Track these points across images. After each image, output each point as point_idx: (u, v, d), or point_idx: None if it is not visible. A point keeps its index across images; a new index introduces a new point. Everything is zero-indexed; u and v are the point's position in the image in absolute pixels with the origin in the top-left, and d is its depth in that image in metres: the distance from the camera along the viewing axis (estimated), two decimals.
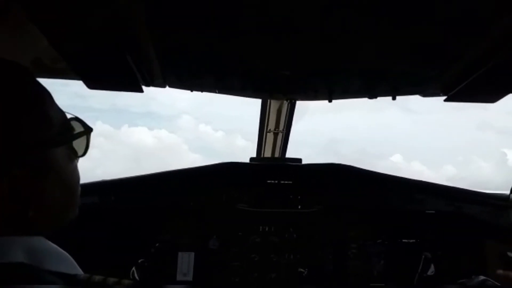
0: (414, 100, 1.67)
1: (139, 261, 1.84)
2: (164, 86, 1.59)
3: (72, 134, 0.82)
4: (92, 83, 1.44)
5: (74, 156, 0.83)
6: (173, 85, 1.57)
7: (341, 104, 1.74)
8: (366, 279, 2.07)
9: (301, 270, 2.08)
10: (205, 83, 1.55)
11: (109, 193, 2.02)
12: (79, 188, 0.84)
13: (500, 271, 1.45)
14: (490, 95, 1.51)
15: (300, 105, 2.11)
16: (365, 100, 1.71)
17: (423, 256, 1.96)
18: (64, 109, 0.82)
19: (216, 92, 1.60)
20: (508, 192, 2.16)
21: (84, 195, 0.84)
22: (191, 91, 1.57)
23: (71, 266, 0.77)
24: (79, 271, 0.77)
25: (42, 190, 0.73)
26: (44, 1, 0.94)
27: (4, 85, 0.71)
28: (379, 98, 1.67)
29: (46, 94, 0.78)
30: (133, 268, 1.86)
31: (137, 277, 1.79)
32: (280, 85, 1.56)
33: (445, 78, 1.47)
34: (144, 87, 1.56)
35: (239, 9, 1.02)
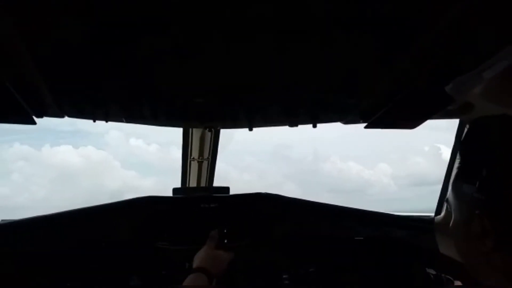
0: None
1: None
2: (62, 116, 1.41)
3: None
4: None
5: None
6: (72, 114, 1.39)
7: None
8: None
9: None
10: (109, 111, 1.38)
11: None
12: None
13: None
14: (408, 121, 1.50)
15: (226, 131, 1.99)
16: None
17: None
18: None
19: (123, 121, 1.44)
20: (433, 214, 2.20)
21: None
22: (94, 121, 1.40)
23: None
24: None
25: None
26: None
27: None
28: None
29: None
30: None
31: None
32: (194, 113, 1.43)
33: (364, 106, 1.44)
34: (38, 119, 1.39)
35: (136, 31, 0.88)
